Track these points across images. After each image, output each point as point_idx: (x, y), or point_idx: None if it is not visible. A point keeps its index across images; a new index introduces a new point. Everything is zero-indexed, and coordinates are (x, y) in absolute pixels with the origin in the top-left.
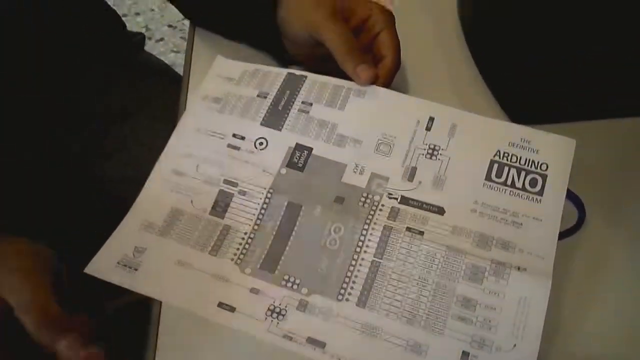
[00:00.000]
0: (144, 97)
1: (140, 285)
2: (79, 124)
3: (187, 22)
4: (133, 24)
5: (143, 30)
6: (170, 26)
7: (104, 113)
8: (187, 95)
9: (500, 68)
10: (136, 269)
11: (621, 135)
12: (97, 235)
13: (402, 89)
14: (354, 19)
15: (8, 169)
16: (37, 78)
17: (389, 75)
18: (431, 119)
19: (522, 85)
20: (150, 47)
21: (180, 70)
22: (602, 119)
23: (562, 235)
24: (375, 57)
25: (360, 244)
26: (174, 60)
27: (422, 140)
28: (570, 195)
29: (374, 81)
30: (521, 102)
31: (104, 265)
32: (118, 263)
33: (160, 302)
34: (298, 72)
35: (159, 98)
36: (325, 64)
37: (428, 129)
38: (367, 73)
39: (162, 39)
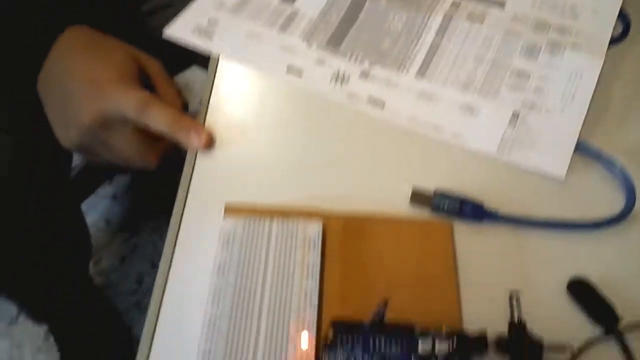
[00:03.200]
0: None
1: (215, 49)
2: None
3: None
4: None
5: None
6: None
7: None
8: None
9: None
10: (210, 37)
11: None
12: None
13: None
14: None
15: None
16: None
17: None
18: None
19: None
20: None
21: None
22: None
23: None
24: None
25: (421, 28)
26: None
27: None
28: None
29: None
30: None
31: (181, 31)
32: (194, 30)
33: None
34: None
35: None
36: None
37: None
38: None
39: None
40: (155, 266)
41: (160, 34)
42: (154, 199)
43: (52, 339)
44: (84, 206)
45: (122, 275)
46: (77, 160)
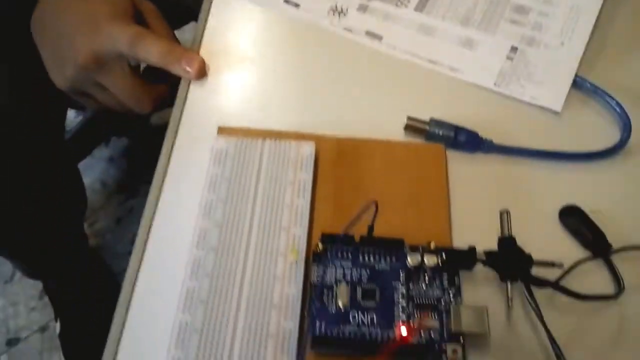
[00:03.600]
0: None
1: None
2: None
3: None
4: None
5: None
6: None
7: None
8: None
9: None
10: None
11: None
12: None
13: None
14: None
15: None
16: None
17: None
18: None
19: None
20: None
21: None
22: None
23: None
24: None
25: None
26: None
27: None
28: None
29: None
30: None
31: None
32: None
33: None
34: None
35: None
36: None
37: None
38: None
39: None
40: None
41: None
42: (150, 162)
43: (46, 298)
44: (80, 167)
45: (118, 237)
46: (72, 123)
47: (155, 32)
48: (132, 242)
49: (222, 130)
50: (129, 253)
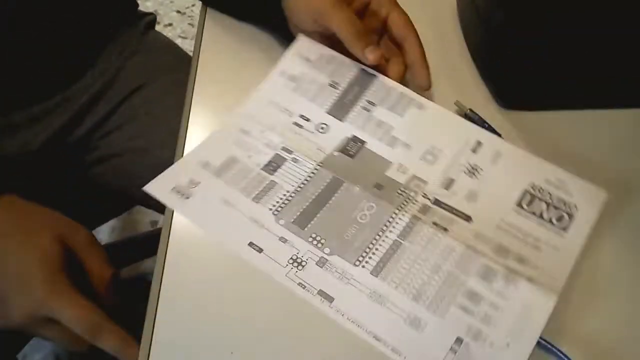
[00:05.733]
0: (155, 70)
1: (187, 212)
2: (95, 98)
3: (195, 9)
4: (142, 8)
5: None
6: (178, 12)
7: (119, 87)
8: (196, 75)
9: (496, 64)
10: (187, 198)
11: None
12: (100, 208)
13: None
14: (356, 3)
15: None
16: (55, 57)
17: (421, 52)
18: (479, 143)
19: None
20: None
21: None
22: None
23: None
24: (391, 39)
25: (387, 224)
26: (181, 45)
27: (465, 159)
28: None
29: (381, 61)
30: (513, 90)
31: (161, 188)
32: (173, 189)
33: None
34: (370, 71)
35: (168, 73)
36: (332, 46)
37: (474, 151)
38: (374, 55)
39: (170, 24)
40: None
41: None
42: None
43: None
44: (28, 347)
45: None
46: None
47: (89, 270)
48: None
49: None
50: None
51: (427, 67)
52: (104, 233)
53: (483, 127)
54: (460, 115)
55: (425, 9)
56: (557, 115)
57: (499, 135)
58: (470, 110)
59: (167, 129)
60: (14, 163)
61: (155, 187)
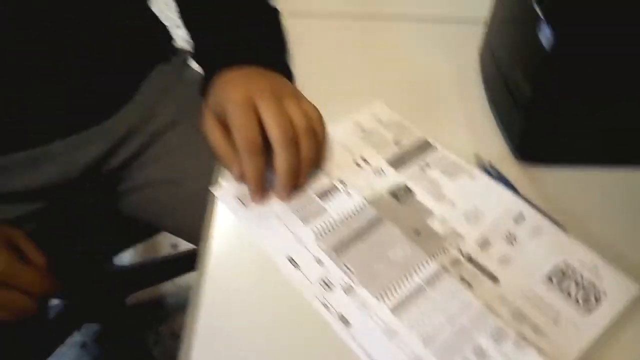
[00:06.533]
0: (189, 105)
1: (242, 218)
2: (131, 131)
3: None
4: (172, 35)
5: (182, 43)
6: None
7: (155, 121)
8: None
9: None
10: (246, 205)
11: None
12: (125, 235)
13: (417, 121)
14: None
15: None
16: (95, 89)
17: (284, 168)
18: (522, 216)
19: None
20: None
21: None
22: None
23: None
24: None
25: (417, 268)
26: None
27: (506, 226)
28: None
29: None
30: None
31: (226, 193)
32: (236, 196)
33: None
34: (432, 141)
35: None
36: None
37: (516, 221)
38: (234, 172)
39: None
40: None
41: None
42: (123, 348)
43: None
44: (53, 356)
45: None
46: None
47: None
48: None
49: None
50: None
51: (287, 184)
52: (125, 255)
53: (501, 182)
54: (480, 168)
55: (449, 58)
56: (575, 173)
57: (517, 190)
58: (491, 165)
59: (200, 162)
60: (52, 191)
61: (221, 191)
